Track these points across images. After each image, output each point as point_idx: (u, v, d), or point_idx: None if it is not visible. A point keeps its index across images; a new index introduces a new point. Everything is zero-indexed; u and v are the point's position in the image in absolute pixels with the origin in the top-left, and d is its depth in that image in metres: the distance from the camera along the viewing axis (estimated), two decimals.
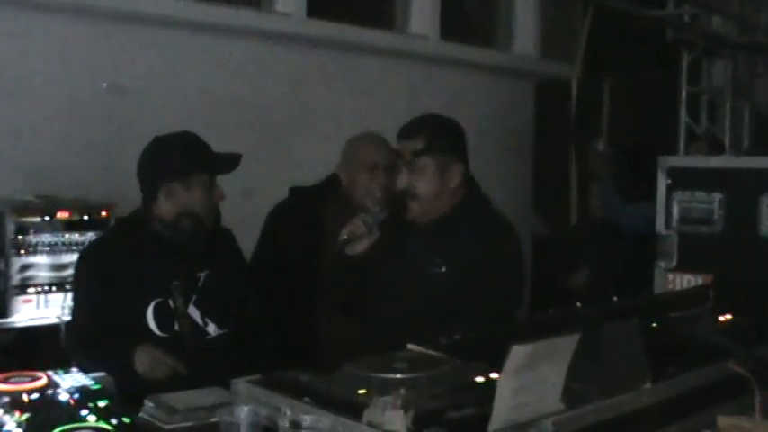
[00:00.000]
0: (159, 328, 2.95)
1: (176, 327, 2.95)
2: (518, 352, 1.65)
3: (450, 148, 3.05)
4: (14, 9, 4.50)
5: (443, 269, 2.93)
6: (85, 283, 3.05)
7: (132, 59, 4.92)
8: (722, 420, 2.09)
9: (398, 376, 1.85)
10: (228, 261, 3.12)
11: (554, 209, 7.10)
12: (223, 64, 5.31)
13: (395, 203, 3.03)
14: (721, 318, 2.74)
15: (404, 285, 2.96)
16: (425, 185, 3.00)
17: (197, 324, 2.98)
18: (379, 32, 6.32)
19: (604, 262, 5.29)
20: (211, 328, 2.99)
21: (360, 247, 2.92)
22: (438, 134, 3.06)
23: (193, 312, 2.97)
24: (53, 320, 3.85)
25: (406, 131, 3.07)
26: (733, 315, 2.76)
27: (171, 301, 2.95)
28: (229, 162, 3.11)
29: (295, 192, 3.79)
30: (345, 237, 2.91)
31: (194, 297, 2.98)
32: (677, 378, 2.08)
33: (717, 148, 6.47)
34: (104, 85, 4.79)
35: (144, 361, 2.82)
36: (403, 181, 3.01)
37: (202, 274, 3.02)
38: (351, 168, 3.67)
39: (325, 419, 1.70)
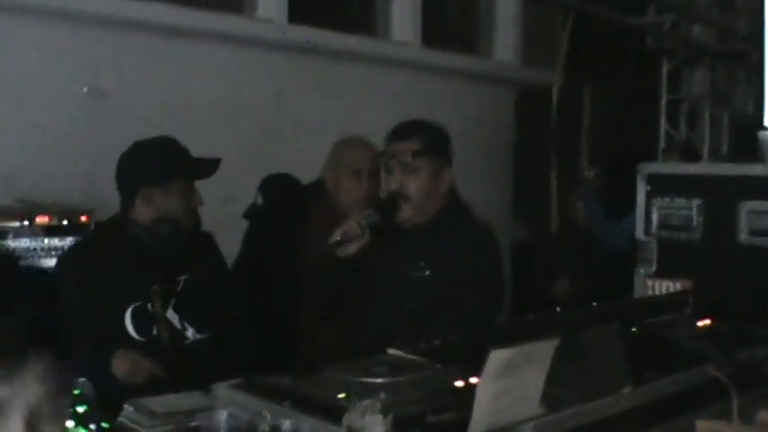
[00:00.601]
0: (137, 332, 2.94)
1: (154, 331, 2.95)
2: (497, 356, 1.65)
3: (442, 151, 3.11)
4: None
5: (427, 272, 2.95)
6: (64, 287, 3.03)
7: (113, 64, 4.90)
8: (701, 425, 2.09)
9: (378, 380, 1.85)
10: (209, 265, 3.11)
11: (534, 215, 7.12)
12: (205, 69, 5.30)
13: (386, 205, 3.01)
14: (700, 323, 2.76)
15: (389, 288, 2.97)
16: (419, 187, 3.01)
17: (175, 328, 2.97)
18: (360, 39, 6.33)
19: (587, 270, 5.29)
20: (190, 333, 2.99)
21: (351, 248, 2.90)
22: (433, 137, 3.10)
23: (172, 317, 2.97)
24: None
25: (401, 132, 3.08)
26: (712, 320, 2.78)
27: (149, 306, 2.94)
28: (208, 167, 3.12)
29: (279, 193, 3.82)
30: (339, 238, 2.88)
31: (173, 301, 2.98)
32: (656, 382, 2.09)
33: (692, 156, 6.50)
34: (84, 89, 4.76)
35: (122, 365, 2.81)
36: (396, 182, 3.00)
37: (182, 279, 3.02)
38: (336, 172, 3.69)
39: (305, 424, 1.70)
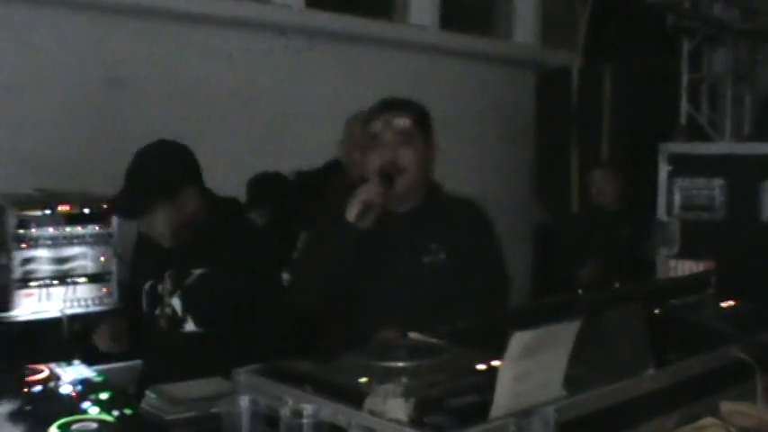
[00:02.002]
0: (147, 306, 3.11)
1: (157, 311, 3.06)
2: (519, 339, 1.65)
3: (430, 131, 3.01)
4: (13, 3, 4.50)
5: (442, 256, 2.88)
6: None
7: (132, 53, 4.91)
8: (725, 406, 2.08)
9: (400, 364, 1.85)
10: (226, 261, 3.05)
11: (555, 197, 7.09)
12: (223, 56, 5.30)
13: (381, 177, 2.83)
14: (724, 304, 2.74)
15: (400, 273, 2.86)
16: (415, 159, 2.89)
17: (177, 315, 3.03)
18: (378, 23, 6.31)
19: (613, 252, 5.23)
20: (188, 324, 3.02)
21: (369, 220, 2.75)
22: (424, 114, 3.01)
23: (176, 304, 3.02)
24: (55, 314, 3.85)
25: (396, 104, 2.98)
26: (735, 301, 2.76)
27: (160, 287, 3.06)
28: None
29: (301, 175, 3.81)
30: (359, 206, 2.74)
31: (179, 291, 3.03)
32: (680, 364, 2.07)
33: (701, 137, 6.43)
34: (104, 78, 4.78)
35: (104, 332, 3.10)
36: (390, 153, 2.86)
37: (196, 272, 3.03)
38: (349, 146, 3.70)
39: (327, 408, 1.70)
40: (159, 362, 3.05)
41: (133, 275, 3.35)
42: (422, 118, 2.97)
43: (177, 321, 3.01)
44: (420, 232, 2.90)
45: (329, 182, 3.86)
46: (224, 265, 3.00)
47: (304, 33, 5.70)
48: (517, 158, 7.15)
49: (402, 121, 2.89)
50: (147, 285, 3.09)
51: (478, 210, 3.06)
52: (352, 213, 2.74)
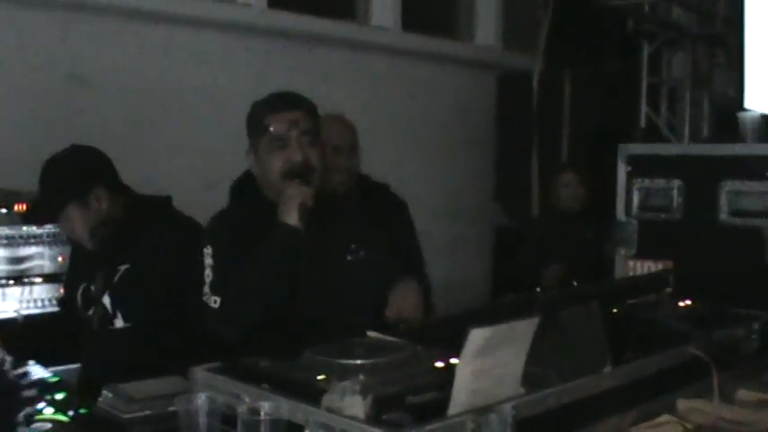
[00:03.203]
0: (83, 308, 3.15)
1: (90, 312, 3.10)
2: (477, 335, 1.65)
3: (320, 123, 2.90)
4: None
5: (362, 253, 2.82)
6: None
7: (93, 51, 4.86)
8: (682, 403, 2.10)
9: (358, 362, 1.85)
10: (149, 256, 3.08)
11: (516, 199, 7.13)
12: (185, 55, 5.27)
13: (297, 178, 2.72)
14: (681, 303, 2.76)
15: (329, 273, 2.76)
16: (321, 158, 2.81)
17: (108, 313, 3.05)
18: (340, 23, 6.29)
19: (577, 255, 5.25)
20: (118, 320, 3.05)
21: (303, 222, 2.65)
22: (316, 107, 2.89)
23: (107, 302, 3.05)
24: (11, 314, 3.80)
25: (292, 101, 2.85)
26: (693, 300, 2.78)
27: (92, 287, 3.11)
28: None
29: None
30: (297, 208, 2.64)
31: (109, 288, 3.06)
32: (637, 362, 2.09)
33: (661, 140, 6.45)
34: (65, 76, 4.73)
35: None
36: (298, 153, 2.74)
37: (122, 268, 3.07)
38: (323, 148, 3.70)
39: (285, 405, 1.69)
40: (94, 361, 3.12)
41: (67, 282, 3.43)
42: (316, 114, 2.87)
43: (108, 319, 3.05)
44: (340, 230, 2.84)
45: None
46: (147, 260, 3.04)
47: (266, 34, 5.68)
48: (478, 161, 7.16)
49: (305, 121, 2.78)
50: (81, 288, 3.14)
51: (400, 204, 3.04)
52: (293, 216, 2.64)
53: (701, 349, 2.20)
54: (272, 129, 2.77)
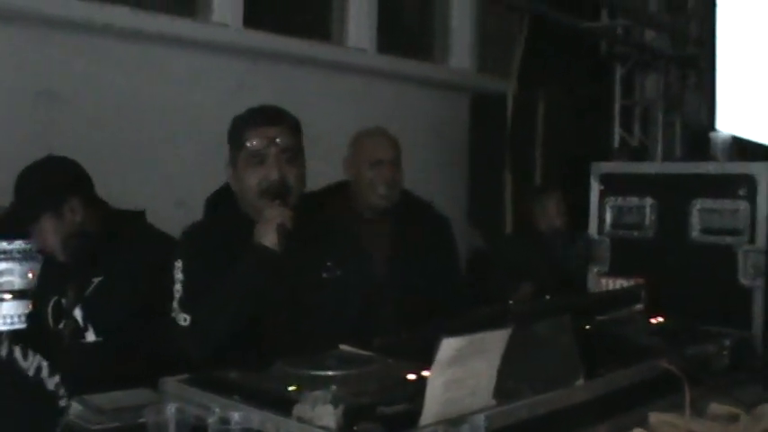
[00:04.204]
0: (53, 322, 3.10)
1: (61, 325, 3.07)
2: (448, 345, 1.64)
3: (302, 140, 2.85)
4: None
5: (338, 272, 2.77)
6: None
7: (64, 66, 4.83)
8: (654, 417, 2.11)
9: (329, 373, 1.84)
10: (124, 269, 3.08)
11: (489, 221, 7.14)
12: (158, 73, 5.25)
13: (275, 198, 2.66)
14: (653, 320, 2.78)
15: (303, 292, 2.71)
16: (301, 178, 2.76)
17: (79, 327, 3.05)
18: (316, 44, 6.30)
19: (552, 275, 5.27)
20: (90, 333, 3.04)
21: (281, 243, 2.59)
22: (298, 123, 2.85)
23: (78, 315, 3.05)
24: None
25: (273, 116, 2.78)
26: (664, 317, 2.80)
27: (63, 301, 3.09)
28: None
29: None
30: (275, 230, 2.58)
31: (81, 301, 3.06)
32: (610, 375, 2.10)
33: (634, 161, 6.51)
34: (35, 92, 4.70)
35: None
36: (277, 171, 2.68)
37: (96, 280, 3.07)
38: (356, 164, 3.70)
39: (255, 416, 1.68)
40: (64, 375, 3.05)
41: (37, 297, 3.34)
42: (298, 130, 2.82)
43: (79, 332, 3.03)
44: (310, 248, 2.76)
45: (334, 204, 3.79)
46: (121, 273, 3.04)
47: (242, 53, 5.67)
48: (451, 183, 7.17)
49: (285, 138, 2.72)
50: (51, 301, 3.10)
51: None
52: (270, 238, 2.58)
53: (673, 363, 2.22)
54: (249, 144, 2.73)
